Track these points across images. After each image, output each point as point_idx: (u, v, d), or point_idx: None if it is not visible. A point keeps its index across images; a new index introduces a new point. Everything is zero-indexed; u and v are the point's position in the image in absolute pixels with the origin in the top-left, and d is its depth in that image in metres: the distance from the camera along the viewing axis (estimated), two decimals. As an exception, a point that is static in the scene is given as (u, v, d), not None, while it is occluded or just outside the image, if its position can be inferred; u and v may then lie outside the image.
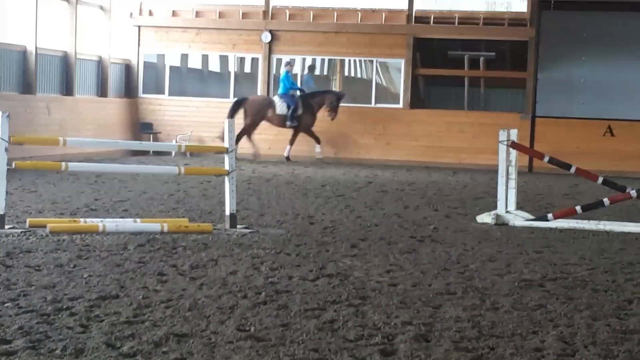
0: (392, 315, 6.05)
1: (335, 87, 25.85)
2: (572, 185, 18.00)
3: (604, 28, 24.20)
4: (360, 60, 25.61)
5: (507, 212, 11.87)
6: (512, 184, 12.23)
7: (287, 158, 23.47)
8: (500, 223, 11.40)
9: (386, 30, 24.81)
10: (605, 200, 11.54)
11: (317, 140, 23.54)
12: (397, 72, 25.20)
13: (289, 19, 25.28)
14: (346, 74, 26.06)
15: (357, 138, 24.49)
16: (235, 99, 23.88)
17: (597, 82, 23.72)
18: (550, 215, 11.55)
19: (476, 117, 24.20)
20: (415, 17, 24.88)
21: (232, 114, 23.03)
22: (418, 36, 24.74)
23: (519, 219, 11.68)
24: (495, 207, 11.95)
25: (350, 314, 6.03)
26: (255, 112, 23.52)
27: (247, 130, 23.53)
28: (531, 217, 11.85)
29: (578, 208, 11.55)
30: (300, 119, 23.40)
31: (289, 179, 17.75)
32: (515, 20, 24.62)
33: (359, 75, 25.88)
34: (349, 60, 25.76)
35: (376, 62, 25.20)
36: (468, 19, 24.91)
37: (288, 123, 23.36)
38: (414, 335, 5.50)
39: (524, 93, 24.34)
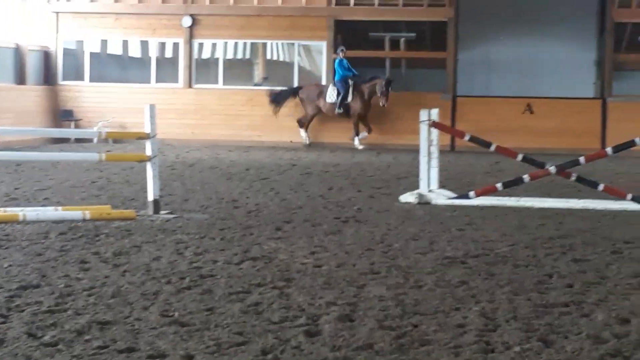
0: (316, 296, 6.07)
1: (258, 70, 25.80)
2: (493, 163, 18.21)
3: (521, 7, 24.53)
4: (282, 43, 25.55)
5: (429, 191, 11.98)
6: (434, 163, 12.34)
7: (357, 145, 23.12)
8: (423, 202, 11.50)
9: (307, 12, 24.78)
10: (525, 177, 11.70)
11: (357, 133, 23.15)
12: (319, 55, 25.20)
13: (210, 2, 25.10)
14: (268, 57, 25.98)
15: (280, 121, 24.44)
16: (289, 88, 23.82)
17: (516, 61, 24.08)
18: (472, 193, 11.69)
19: (398, 97, 24.30)
20: (335, -1, 24.90)
21: (281, 99, 23.27)
22: (339, 18, 24.76)
23: (442, 197, 11.80)
24: (418, 187, 12.05)
25: (275, 296, 6.04)
26: (308, 102, 23.38)
27: (303, 120, 23.49)
28: (453, 195, 11.97)
29: (499, 185, 11.68)
30: (349, 106, 22.97)
31: (213, 163, 17.67)
32: (434, 1, 24.76)
33: (281, 58, 25.82)
34: (271, 44, 25.68)
35: (298, 44, 25.17)
36: (388, 0, 24.99)
37: (336, 110, 23.09)
38: (338, 315, 5.52)
39: (445, 73, 24.54)
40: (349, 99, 22.93)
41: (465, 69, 24.41)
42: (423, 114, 12.07)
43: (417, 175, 12.37)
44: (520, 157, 11.90)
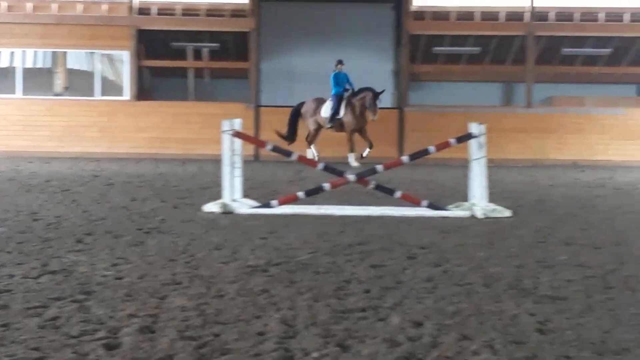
0: (117, 308, 6.01)
1: (59, 80, 25.28)
2: (297, 172, 18.48)
3: (321, 19, 25.05)
4: (83, 53, 25.15)
5: (233, 200, 12.05)
6: (238, 172, 12.41)
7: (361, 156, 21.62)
8: (227, 211, 11.56)
9: (108, 21, 24.51)
10: (326, 185, 11.93)
11: (351, 149, 21.78)
12: (121, 64, 24.94)
13: (7, 10, 24.44)
14: (69, 66, 25.53)
15: (82, 132, 24.04)
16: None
17: (317, 71, 24.50)
18: (274, 202, 11.83)
19: (202, 107, 24.41)
20: (137, 8, 24.73)
21: (292, 124, 21.98)
22: (141, 27, 24.60)
23: (245, 206, 11.88)
24: (222, 196, 12.11)
25: (74, 309, 5.94)
26: (307, 116, 22.19)
27: (310, 134, 22.27)
28: (257, 204, 12.08)
29: (301, 194, 11.87)
30: (341, 121, 21.76)
31: (12, 175, 17.17)
32: (236, 12, 24.99)
33: (83, 68, 25.43)
34: (72, 53, 25.24)
35: (99, 54, 24.83)
36: (190, 11, 25.03)
37: (327, 125, 21.94)
38: (139, 327, 5.49)
39: (248, 83, 24.76)
40: (341, 113, 21.82)
41: (268, 79, 24.67)
42: (225, 124, 12.14)
43: (221, 185, 12.41)
44: (320, 166, 12.13)
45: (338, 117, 21.80)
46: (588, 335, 5.36)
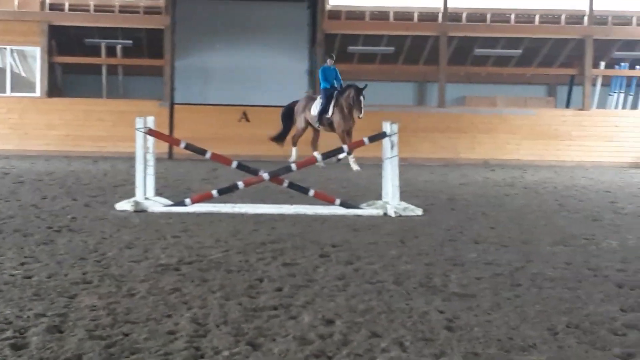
0: (25, 308, 5.92)
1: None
2: (211, 170, 18.41)
3: (235, 17, 25.00)
4: (-7, 48, 24.76)
5: (146, 198, 11.97)
6: (151, 170, 12.34)
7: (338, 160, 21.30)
8: (139, 210, 11.48)
9: (19, 17, 24.15)
10: (240, 184, 11.92)
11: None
12: (33, 60, 24.57)
13: None
14: (-21, 61, 25.09)
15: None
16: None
17: (232, 69, 24.46)
18: (188, 200, 11.78)
19: (115, 105, 24.18)
20: (49, 4, 24.40)
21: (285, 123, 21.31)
22: (53, 23, 24.27)
23: (158, 205, 11.81)
24: (134, 194, 12.02)
25: (-19, 309, 5.85)
26: (298, 114, 21.53)
27: (296, 134, 21.61)
28: (170, 202, 12.02)
29: (214, 192, 11.84)
30: (331, 121, 20.92)
31: None
32: (150, 9, 24.81)
33: (-7, 63, 25.01)
34: (-18, 48, 24.83)
35: (10, 49, 24.42)
36: (104, 7, 24.78)
37: (315, 124, 21.21)
38: (47, 327, 5.42)
39: (162, 80, 24.61)
40: (329, 113, 21.00)
41: (182, 77, 24.53)
42: (139, 122, 12.05)
43: (134, 183, 12.32)
44: (234, 164, 12.12)
45: (327, 115, 21.19)
46: (495, 332, 5.45)
